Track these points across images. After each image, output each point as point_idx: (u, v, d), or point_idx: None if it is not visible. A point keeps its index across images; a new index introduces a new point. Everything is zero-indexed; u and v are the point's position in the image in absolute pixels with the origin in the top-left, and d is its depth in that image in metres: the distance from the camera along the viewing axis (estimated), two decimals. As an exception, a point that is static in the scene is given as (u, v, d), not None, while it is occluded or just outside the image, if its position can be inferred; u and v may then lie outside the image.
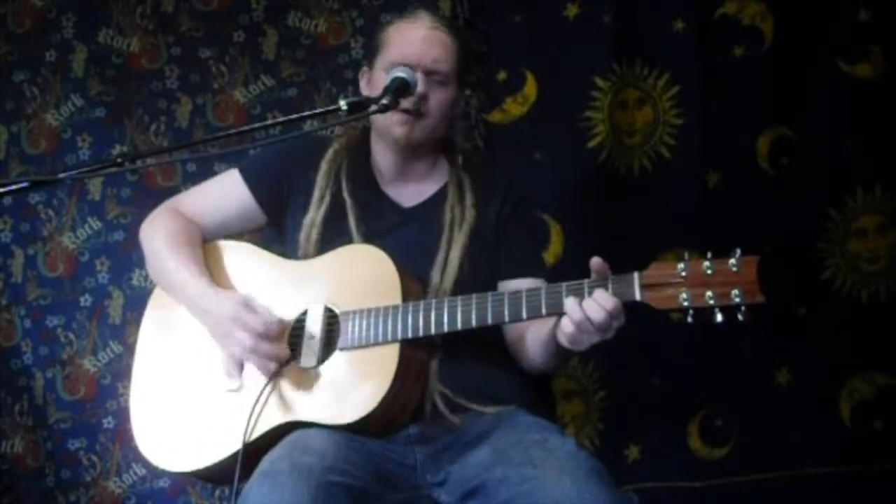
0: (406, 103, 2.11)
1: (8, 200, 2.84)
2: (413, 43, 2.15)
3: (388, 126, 2.15)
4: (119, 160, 1.87)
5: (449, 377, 2.05)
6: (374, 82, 2.19)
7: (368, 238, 2.14)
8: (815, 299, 2.94)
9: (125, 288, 3.11)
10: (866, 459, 2.93)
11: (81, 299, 3.13)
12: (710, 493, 2.96)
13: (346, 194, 2.19)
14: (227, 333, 2.05)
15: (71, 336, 3.12)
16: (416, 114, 2.14)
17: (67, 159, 3.13)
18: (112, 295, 3.12)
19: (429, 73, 2.14)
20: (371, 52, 2.23)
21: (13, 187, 1.84)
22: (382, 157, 2.24)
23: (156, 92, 3.15)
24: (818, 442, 2.95)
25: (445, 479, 1.98)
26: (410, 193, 2.24)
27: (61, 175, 1.90)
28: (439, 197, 2.22)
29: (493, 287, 2.18)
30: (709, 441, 2.99)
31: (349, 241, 2.15)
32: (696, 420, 2.99)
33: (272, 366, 2.03)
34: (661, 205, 2.98)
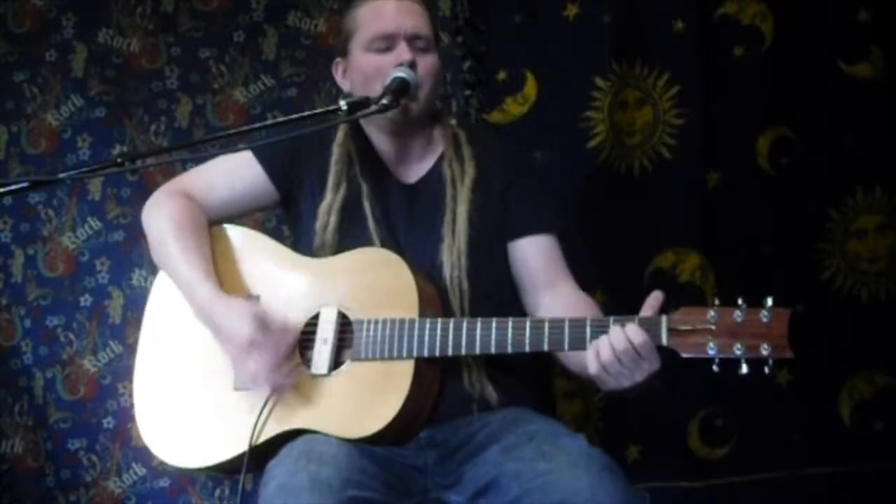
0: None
1: (8, 200, 2.84)
2: (389, 14, 2.14)
3: None
4: (119, 160, 1.87)
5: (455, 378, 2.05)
6: (353, 67, 2.16)
7: (381, 222, 2.12)
8: (815, 299, 2.94)
9: (125, 288, 3.11)
10: (866, 459, 2.92)
11: (81, 299, 3.13)
12: (711, 492, 2.96)
13: (360, 178, 2.16)
14: (240, 358, 2.00)
15: (71, 336, 3.12)
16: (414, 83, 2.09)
17: (67, 159, 3.13)
18: (112, 295, 3.12)
19: (411, 40, 2.12)
20: (344, 41, 2.19)
21: (13, 187, 1.84)
22: (381, 141, 2.21)
23: (156, 92, 3.15)
24: (818, 442, 2.95)
25: (457, 481, 1.98)
26: (414, 170, 2.21)
27: (61, 175, 1.90)
28: (438, 165, 2.19)
29: (504, 247, 2.17)
30: (709, 441, 2.98)
31: (365, 226, 2.11)
32: (696, 420, 2.98)
33: (286, 390, 1.99)
34: (661, 205, 2.97)
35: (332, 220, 2.14)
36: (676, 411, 2.98)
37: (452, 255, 2.07)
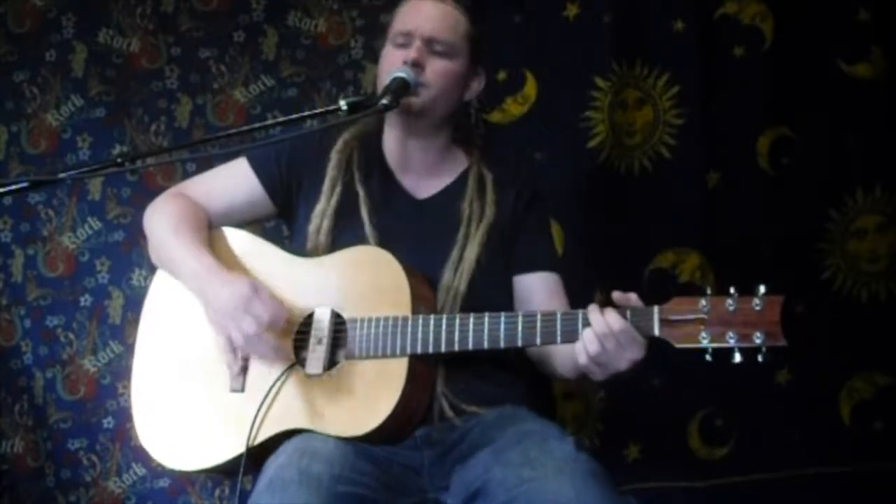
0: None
1: (8, 200, 2.84)
2: (414, 13, 2.16)
3: None
4: (119, 160, 1.87)
5: (451, 380, 2.04)
6: (382, 60, 2.18)
7: (381, 230, 2.12)
8: (815, 299, 2.94)
9: (125, 288, 3.11)
10: (866, 459, 2.93)
11: (81, 299, 3.13)
12: (711, 493, 2.96)
13: (358, 185, 2.17)
14: (231, 317, 1.99)
15: (71, 336, 3.12)
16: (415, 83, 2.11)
17: (67, 159, 3.12)
18: (112, 295, 3.12)
19: (427, 42, 2.13)
20: (385, 34, 2.22)
21: (13, 187, 1.84)
22: (390, 142, 2.22)
23: (156, 92, 3.14)
24: (818, 442, 2.95)
25: (450, 483, 1.98)
26: (424, 185, 2.22)
27: (61, 175, 1.90)
28: (455, 188, 2.20)
29: (508, 284, 2.18)
30: (709, 441, 2.99)
31: (361, 232, 2.12)
32: (696, 420, 2.99)
33: (272, 359, 2.00)
34: (661, 205, 2.98)
35: (326, 223, 2.15)
36: (676, 411, 2.98)
37: (448, 295, 2.08)
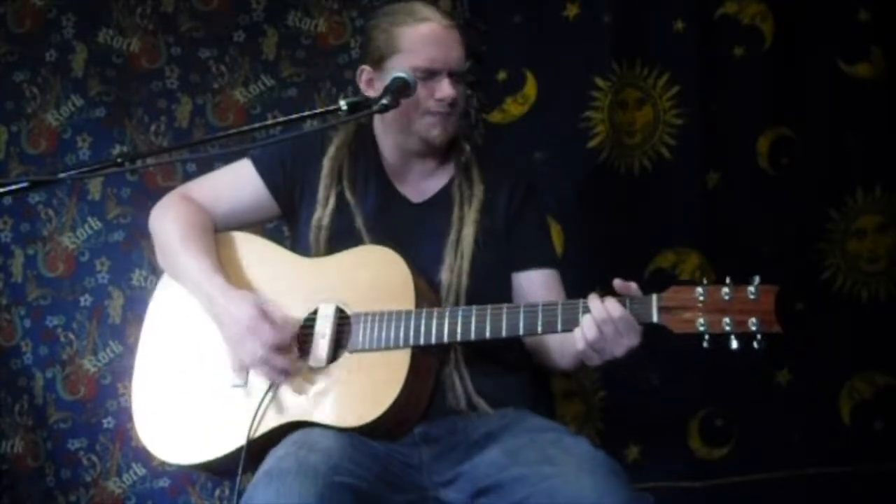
0: (440, 107, 2.11)
1: (8, 200, 2.83)
2: (436, 46, 2.12)
3: (423, 128, 2.14)
4: (119, 160, 1.87)
5: (464, 364, 2.06)
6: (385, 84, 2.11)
7: (377, 237, 2.13)
8: (815, 299, 2.94)
9: (125, 288, 3.11)
10: (866, 459, 2.93)
11: (81, 299, 3.13)
12: (711, 493, 2.96)
13: (348, 194, 2.18)
14: (240, 340, 2.03)
15: (71, 336, 3.12)
16: (447, 115, 2.14)
17: (67, 159, 3.13)
18: (112, 295, 3.12)
19: (451, 74, 2.14)
20: (380, 55, 2.15)
21: (13, 187, 1.84)
22: (395, 153, 2.23)
23: (156, 92, 3.15)
24: (818, 442, 2.95)
25: (454, 479, 1.99)
26: (420, 190, 2.23)
27: (61, 175, 1.90)
28: (448, 187, 2.22)
29: (507, 274, 2.19)
30: (709, 441, 2.99)
31: (359, 241, 2.14)
32: (696, 420, 2.99)
33: (280, 378, 2.02)
34: (661, 205, 2.98)
35: (323, 234, 2.16)
36: (676, 411, 2.98)
37: (453, 275, 2.09)
